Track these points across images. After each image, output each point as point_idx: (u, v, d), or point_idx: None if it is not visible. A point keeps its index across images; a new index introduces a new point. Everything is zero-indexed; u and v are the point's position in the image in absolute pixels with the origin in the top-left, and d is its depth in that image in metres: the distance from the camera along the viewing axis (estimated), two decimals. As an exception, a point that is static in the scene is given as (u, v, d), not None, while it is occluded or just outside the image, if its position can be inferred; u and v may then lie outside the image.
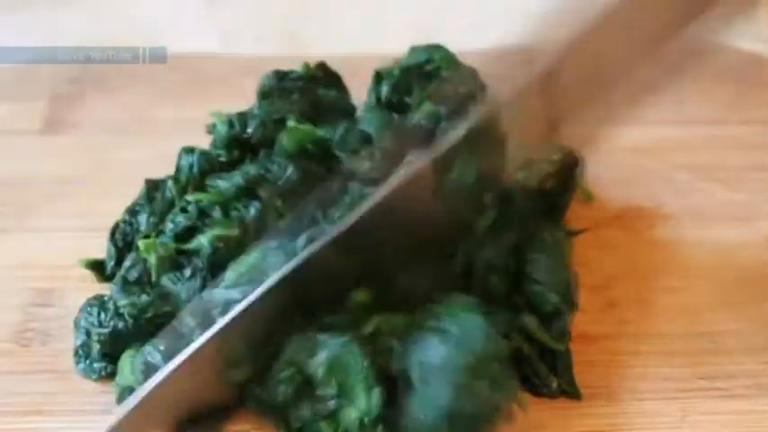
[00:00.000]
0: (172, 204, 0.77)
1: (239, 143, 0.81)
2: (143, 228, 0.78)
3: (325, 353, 0.63)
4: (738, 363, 0.72)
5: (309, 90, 0.86)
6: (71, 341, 0.72)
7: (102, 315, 0.70)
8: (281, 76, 0.87)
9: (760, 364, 0.72)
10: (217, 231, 0.71)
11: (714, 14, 1.12)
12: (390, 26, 1.12)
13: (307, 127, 0.78)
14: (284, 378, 0.64)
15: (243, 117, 0.82)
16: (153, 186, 0.80)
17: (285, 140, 0.77)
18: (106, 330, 0.69)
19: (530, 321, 0.71)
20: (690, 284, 0.79)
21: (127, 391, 0.67)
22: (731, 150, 0.94)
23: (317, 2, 1.16)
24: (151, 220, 0.77)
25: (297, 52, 0.98)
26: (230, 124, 0.81)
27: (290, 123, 0.79)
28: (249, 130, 0.81)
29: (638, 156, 0.90)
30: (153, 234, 0.74)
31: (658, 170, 0.84)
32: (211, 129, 0.82)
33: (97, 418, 0.68)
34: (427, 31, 1.10)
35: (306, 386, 0.64)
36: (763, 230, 0.85)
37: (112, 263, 0.77)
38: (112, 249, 0.78)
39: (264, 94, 0.86)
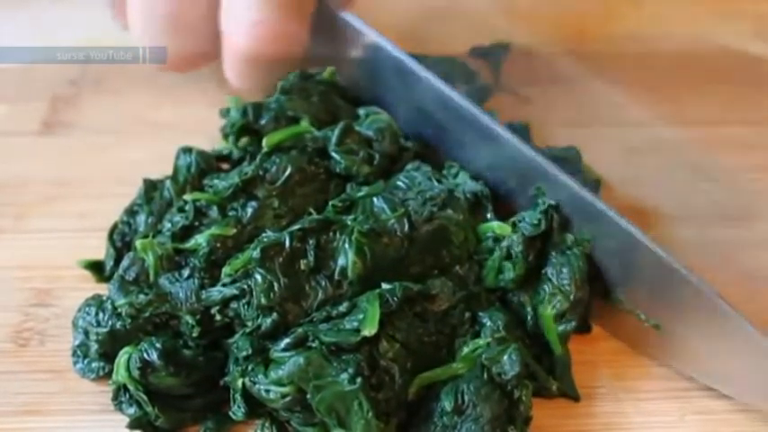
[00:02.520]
0: (170, 204, 0.78)
1: (249, 131, 0.82)
2: (141, 228, 0.78)
3: (330, 392, 0.62)
4: (736, 363, 0.72)
5: (328, 95, 0.86)
6: (69, 341, 0.72)
7: (101, 315, 0.70)
8: (305, 76, 0.87)
9: (758, 364, 0.72)
10: (214, 231, 0.72)
11: (713, 15, 1.13)
12: (390, 27, 1.11)
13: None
14: (281, 392, 0.64)
15: (258, 107, 0.82)
16: (151, 186, 0.80)
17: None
18: (104, 330, 0.69)
19: (547, 313, 0.71)
20: (688, 284, 0.79)
21: (122, 389, 0.67)
22: (731, 150, 0.94)
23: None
24: (149, 220, 0.78)
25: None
26: (244, 112, 0.82)
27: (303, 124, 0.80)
28: (262, 122, 0.81)
29: (638, 156, 0.90)
30: (151, 234, 0.74)
31: (658, 170, 0.84)
32: (225, 113, 0.83)
33: (95, 418, 0.68)
34: (426, 31, 1.10)
35: (301, 401, 0.64)
36: (763, 230, 0.84)
37: (111, 263, 0.77)
38: (111, 250, 0.78)
39: (285, 90, 0.86)
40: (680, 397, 0.70)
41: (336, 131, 0.79)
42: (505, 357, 0.65)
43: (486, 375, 0.65)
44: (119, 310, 0.69)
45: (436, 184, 0.75)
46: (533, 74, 1.04)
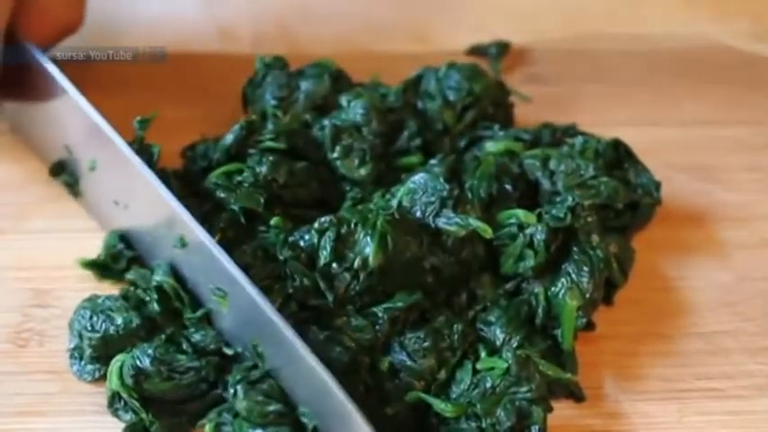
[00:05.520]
0: None
1: None
2: None
3: None
4: (736, 363, 0.72)
5: None
6: (67, 342, 0.72)
7: (94, 318, 0.70)
8: None
9: (757, 365, 0.72)
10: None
11: (713, 15, 1.13)
12: (390, 26, 1.11)
13: None
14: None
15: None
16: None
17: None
18: (97, 335, 0.69)
19: (572, 303, 0.71)
20: (688, 285, 0.79)
21: (116, 396, 0.67)
22: (730, 150, 0.94)
23: (316, 1, 1.16)
24: None
25: (296, 52, 0.98)
26: None
27: None
28: None
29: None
30: None
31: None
32: None
33: (94, 418, 0.68)
34: (426, 31, 1.10)
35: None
36: (762, 231, 0.84)
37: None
38: None
39: None
40: (680, 398, 0.70)
41: None
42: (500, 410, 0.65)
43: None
44: None
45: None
46: (533, 73, 1.04)
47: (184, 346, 0.68)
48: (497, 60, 1.04)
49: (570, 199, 0.75)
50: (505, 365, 0.66)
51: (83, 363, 0.70)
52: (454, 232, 0.72)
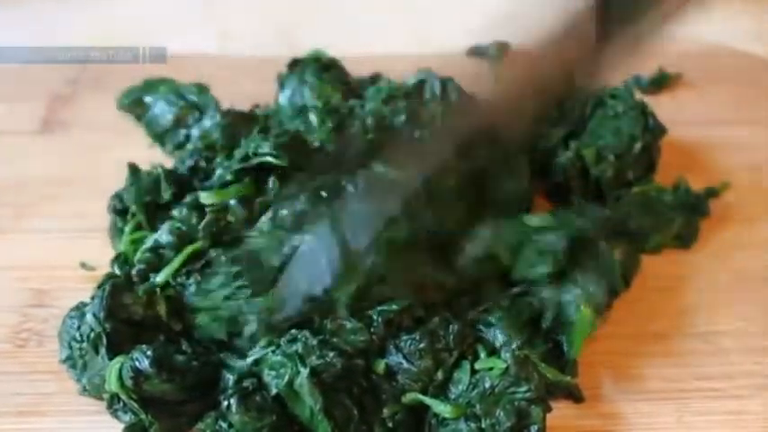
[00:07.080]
0: (156, 181, 0.78)
1: None
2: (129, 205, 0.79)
3: None
4: (735, 363, 0.72)
5: None
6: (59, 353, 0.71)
7: (83, 328, 0.69)
8: None
9: (756, 365, 0.72)
10: None
11: (713, 15, 1.13)
12: (389, 26, 1.11)
13: None
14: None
15: None
16: (136, 170, 0.80)
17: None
18: (85, 345, 0.68)
19: (587, 312, 0.71)
20: (687, 285, 0.79)
21: (116, 398, 0.67)
22: (731, 150, 0.94)
23: (316, 2, 1.16)
24: (137, 198, 0.78)
25: (295, 53, 0.98)
26: None
27: None
28: None
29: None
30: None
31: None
32: None
33: (92, 418, 0.68)
34: (425, 31, 1.10)
35: None
36: (761, 231, 0.84)
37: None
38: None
39: None
40: (678, 398, 0.70)
41: None
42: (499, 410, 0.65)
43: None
44: None
45: None
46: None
47: (184, 346, 0.68)
48: (497, 61, 1.04)
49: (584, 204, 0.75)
50: (504, 365, 0.66)
51: (77, 371, 0.69)
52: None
